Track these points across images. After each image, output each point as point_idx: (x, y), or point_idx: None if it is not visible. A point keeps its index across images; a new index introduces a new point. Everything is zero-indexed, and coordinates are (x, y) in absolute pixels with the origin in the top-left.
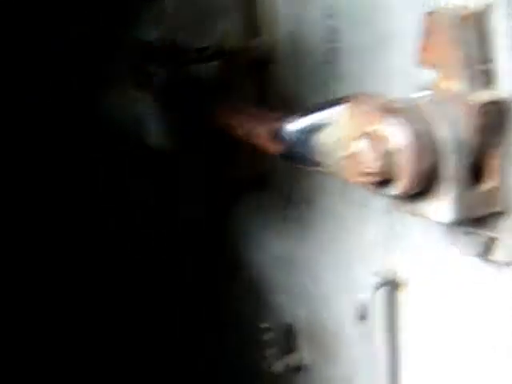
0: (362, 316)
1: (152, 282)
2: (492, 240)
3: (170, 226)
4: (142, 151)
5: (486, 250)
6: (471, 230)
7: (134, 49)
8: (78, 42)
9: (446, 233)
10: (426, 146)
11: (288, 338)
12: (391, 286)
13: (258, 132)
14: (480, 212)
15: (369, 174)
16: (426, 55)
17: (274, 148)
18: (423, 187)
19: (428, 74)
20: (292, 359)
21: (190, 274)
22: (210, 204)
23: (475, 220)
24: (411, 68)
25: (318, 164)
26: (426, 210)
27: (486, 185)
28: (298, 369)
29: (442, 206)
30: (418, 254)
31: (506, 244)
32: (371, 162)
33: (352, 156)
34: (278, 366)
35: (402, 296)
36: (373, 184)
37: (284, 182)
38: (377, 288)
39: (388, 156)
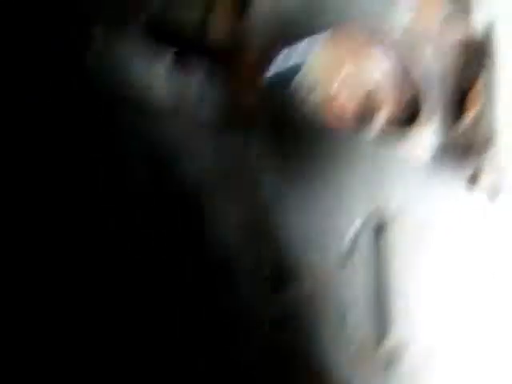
0: (348, 258)
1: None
2: (477, 172)
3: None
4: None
5: (472, 181)
6: (457, 161)
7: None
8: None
9: (432, 167)
10: (407, 79)
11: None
12: (378, 227)
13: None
14: (463, 143)
15: (351, 108)
16: None
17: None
18: (406, 121)
19: (409, 10)
20: (288, 293)
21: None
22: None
23: (460, 152)
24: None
25: (299, 104)
26: (411, 142)
27: (468, 118)
28: (291, 315)
29: (425, 139)
30: (405, 192)
31: (491, 173)
32: (352, 95)
33: (335, 92)
34: (271, 312)
35: (389, 236)
36: (357, 118)
37: (267, 128)
38: (363, 229)
39: (368, 91)
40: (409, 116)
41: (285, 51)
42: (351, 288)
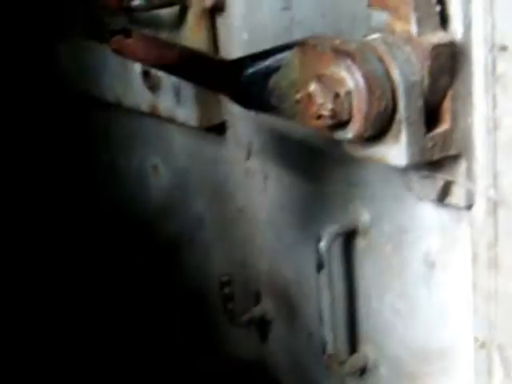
0: (321, 265)
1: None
2: (449, 184)
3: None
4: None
5: (443, 195)
6: (428, 174)
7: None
8: None
9: (403, 178)
10: (378, 87)
11: (249, 292)
12: (350, 234)
13: (212, 77)
14: (435, 155)
15: (321, 116)
16: None
17: (229, 94)
18: (377, 130)
19: (381, 16)
20: (254, 313)
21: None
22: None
23: (431, 164)
24: (365, 10)
25: (273, 108)
26: (381, 154)
27: (440, 128)
28: (261, 323)
29: (396, 150)
30: (378, 202)
31: (462, 187)
32: (323, 105)
33: (305, 99)
34: (240, 321)
35: (362, 244)
36: (327, 127)
37: (243, 134)
38: (336, 237)
39: (340, 98)
40: (381, 126)
41: (259, 54)
42: (321, 299)
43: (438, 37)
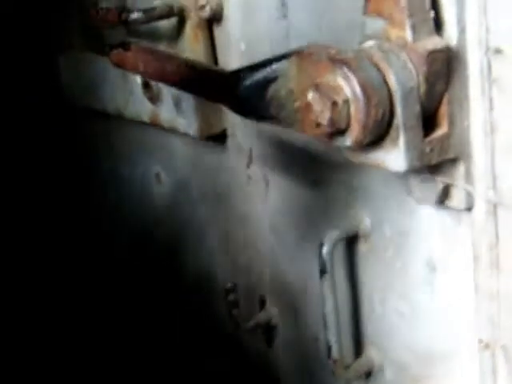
0: (324, 270)
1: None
2: (449, 187)
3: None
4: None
5: (443, 198)
6: (427, 177)
7: (87, 13)
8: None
9: (403, 182)
10: (376, 95)
11: (254, 298)
12: (352, 239)
13: (212, 88)
14: (433, 159)
15: (320, 125)
16: (373, 4)
17: (228, 103)
18: (376, 137)
19: (376, 24)
20: (260, 319)
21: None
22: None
23: (431, 167)
24: (361, 18)
25: (272, 117)
26: (381, 159)
27: (438, 132)
28: (267, 328)
29: (395, 155)
30: (379, 206)
31: (462, 190)
32: (321, 113)
33: (303, 108)
34: (246, 326)
35: (364, 249)
36: (326, 136)
37: (243, 141)
38: (338, 242)
39: (338, 107)
40: (379, 132)
41: (256, 65)
42: (325, 304)
43: (434, 42)
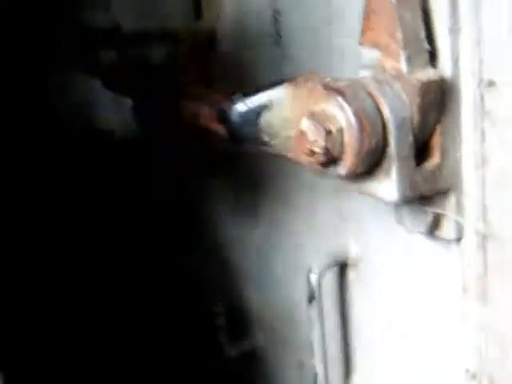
0: (312, 297)
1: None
2: (439, 217)
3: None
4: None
5: (433, 227)
6: (418, 207)
7: (81, 34)
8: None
9: (394, 211)
10: (370, 124)
11: (239, 323)
12: (341, 266)
13: (204, 114)
14: (425, 190)
15: (314, 153)
16: (368, 35)
17: (221, 130)
18: (369, 166)
19: (371, 54)
20: (245, 344)
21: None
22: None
23: (421, 197)
24: (356, 48)
25: (265, 144)
26: (373, 188)
27: (430, 163)
28: (251, 354)
29: (387, 185)
30: (368, 234)
31: (452, 220)
32: (315, 142)
33: (297, 136)
34: (231, 352)
35: (353, 276)
36: (319, 164)
37: (235, 166)
38: (327, 269)
39: (332, 135)
40: (372, 162)
41: (248, 92)
42: (312, 331)
43: (428, 74)
